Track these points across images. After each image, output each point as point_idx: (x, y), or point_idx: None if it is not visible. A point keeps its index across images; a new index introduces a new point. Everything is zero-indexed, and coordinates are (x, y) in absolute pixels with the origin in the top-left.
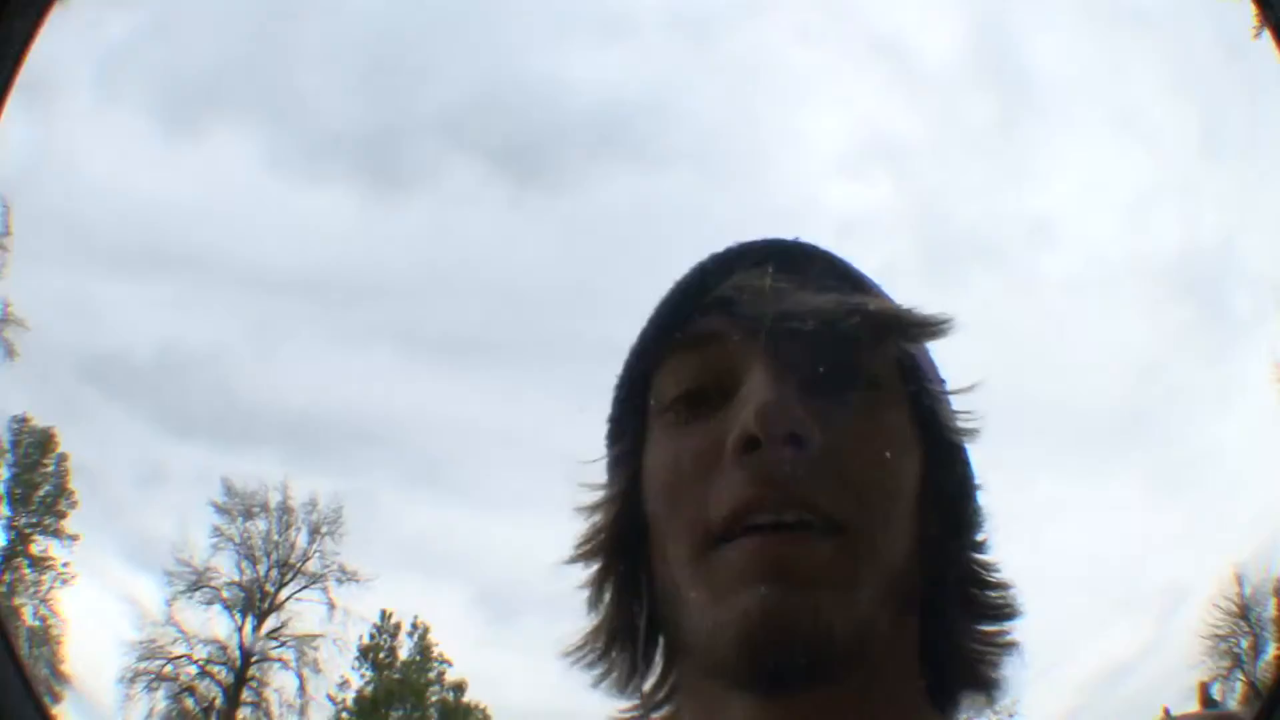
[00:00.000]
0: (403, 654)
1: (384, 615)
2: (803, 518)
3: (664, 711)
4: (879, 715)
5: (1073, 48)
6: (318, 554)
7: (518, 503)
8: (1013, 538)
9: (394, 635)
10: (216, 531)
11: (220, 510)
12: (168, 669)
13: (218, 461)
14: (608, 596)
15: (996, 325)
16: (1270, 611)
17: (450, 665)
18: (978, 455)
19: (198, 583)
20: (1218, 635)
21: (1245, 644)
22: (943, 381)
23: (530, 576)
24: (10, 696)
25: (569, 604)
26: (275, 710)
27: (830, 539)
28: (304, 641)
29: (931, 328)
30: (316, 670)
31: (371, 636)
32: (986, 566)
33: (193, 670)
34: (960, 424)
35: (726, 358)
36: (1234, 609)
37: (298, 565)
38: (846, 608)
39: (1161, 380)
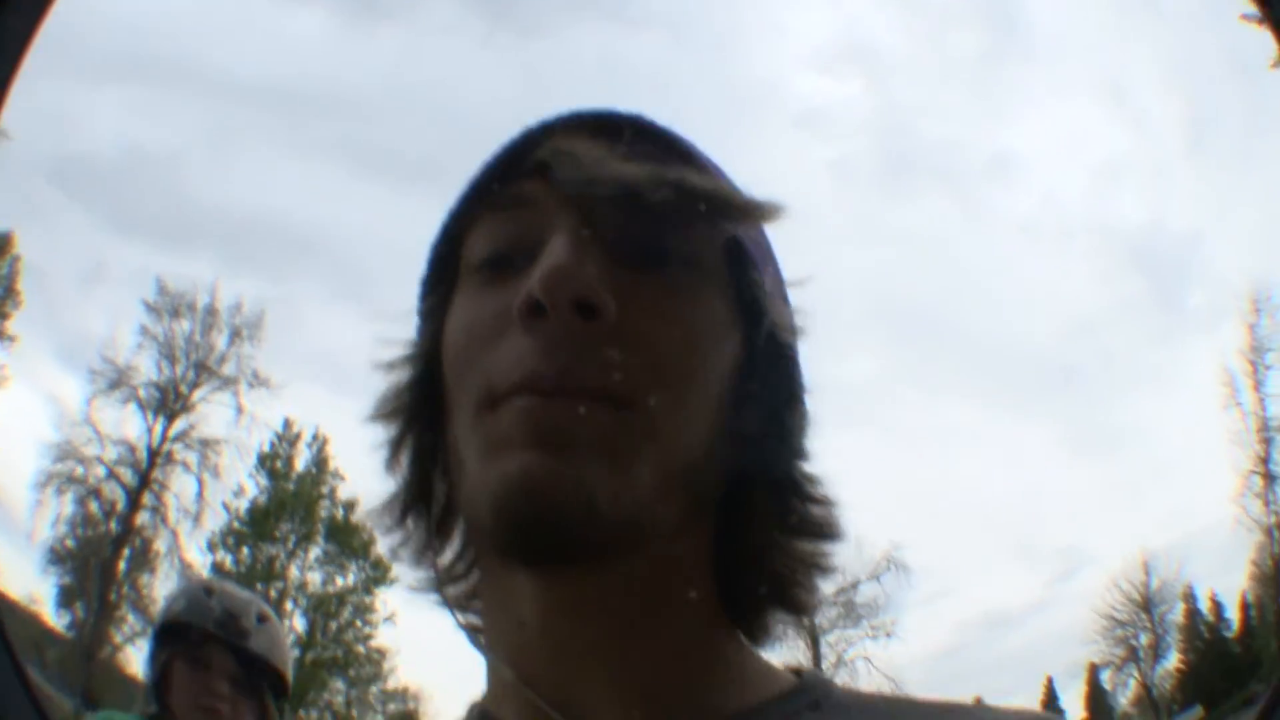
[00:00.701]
0: (299, 465)
1: (286, 424)
2: (584, 385)
3: (463, 586)
4: (663, 604)
5: (1081, 7)
6: (235, 357)
7: None
8: (919, 457)
9: (293, 445)
10: (143, 330)
11: (150, 308)
12: (78, 470)
13: (156, 261)
14: (404, 462)
15: (939, 247)
16: (1177, 616)
17: (344, 480)
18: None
19: (118, 381)
20: (1115, 619)
21: (1145, 640)
22: (779, 275)
23: None
24: (9, 698)
25: None
26: (172, 515)
27: (611, 410)
28: (209, 446)
29: (757, 211)
30: (216, 476)
31: (272, 445)
32: (808, 478)
33: (101, 473)
34: (790, 321)
35: (535, 223)
36: (1137, 598)
37: (214, 368)
38: (617, 483)
39: (1096, 343)
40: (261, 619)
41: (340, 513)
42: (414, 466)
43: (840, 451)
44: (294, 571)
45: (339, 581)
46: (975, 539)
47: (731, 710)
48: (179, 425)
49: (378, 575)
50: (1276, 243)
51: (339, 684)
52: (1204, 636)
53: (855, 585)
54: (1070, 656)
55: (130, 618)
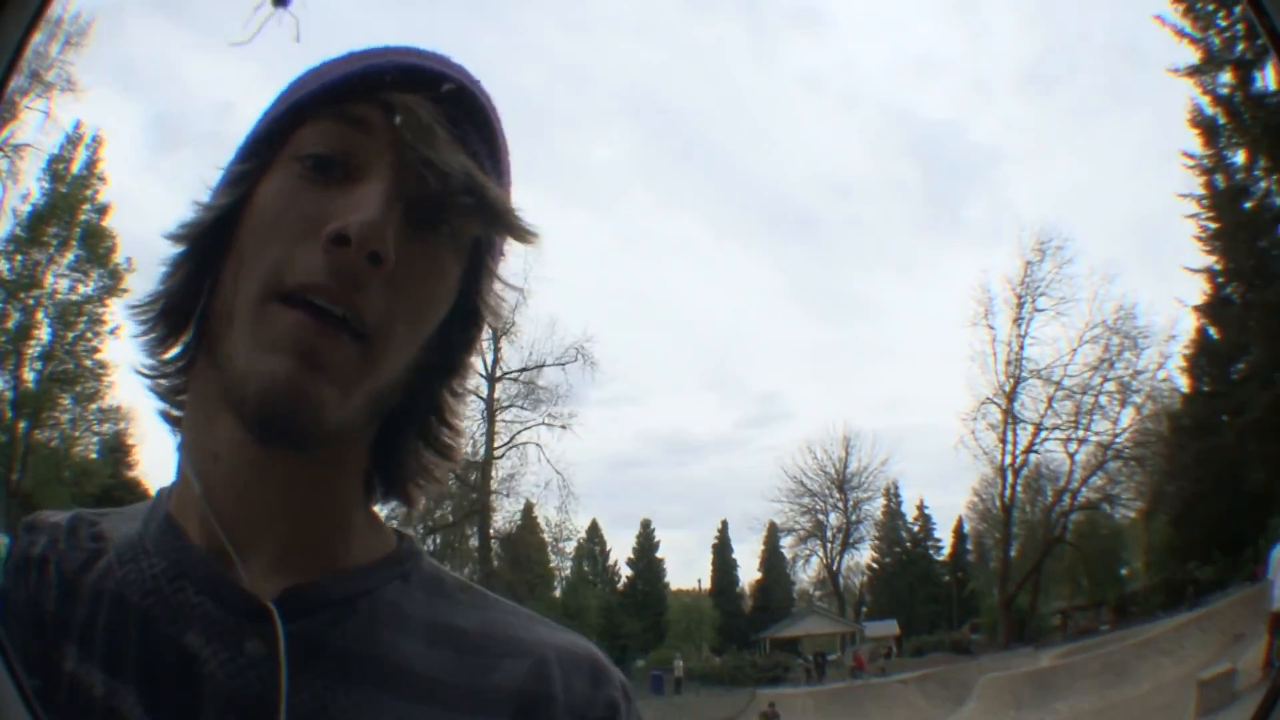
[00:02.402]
0: (76, 169)
1: (75, 126)
2: (346, 315)
3: (171, 384)
4: (330, 483)
5: None
6: (59, 64)
7: (241, 48)
8: (639, 259)
9: (76, 147)
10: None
11: None
12: None
13: None
14: (177, 279)
15: (719, 69)
16: (875, 510)
17: (105, 183)
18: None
19: None
20: (804, 486)
21: (834, 520)
22: (501, 259)
23: (205, 114)
24: (8, 700)
25: (226, 145)
26: None
27: (357, 344)
28: (18, 152)
29: (520, 233)
30: (16, 182)
31: (61, 148)
32: (453, 410)
33: None
34: (493, 304)
35: (366, 149)
36: (832, 472)
37: (43, 74)
38: (342, 403)
39: (848, 209)
40: None
41: (95, 217)
42: (184, 285)
43: (560, 228)
44: (49, 279)
45: (81, 289)
46: (675, 356)
47: (348, 565)
48: (3, 135)
49: (113, 284)
50: (1084, 203)
51: (67, 401)
52: (905, 545)
53: (540, 367)
54: (750, 509)
55: None
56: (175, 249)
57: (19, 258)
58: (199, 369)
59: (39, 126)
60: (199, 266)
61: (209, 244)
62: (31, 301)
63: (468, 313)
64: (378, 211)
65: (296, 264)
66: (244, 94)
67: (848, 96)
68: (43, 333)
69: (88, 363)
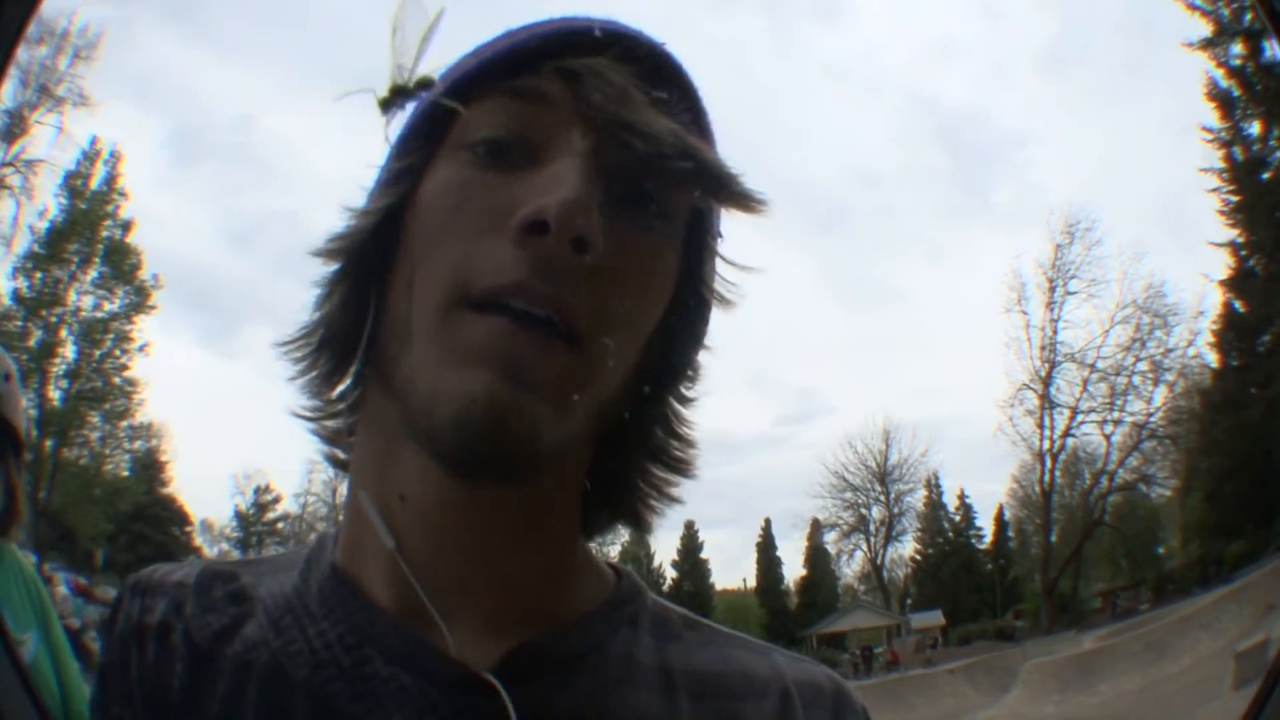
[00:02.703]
0: (95, 184)
1: (93, 141)
2: (553, 317)
3: (339, 423)
4: (547, 521)
5: None
6: (69, 78)
7: (256, 57)
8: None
9: (93, 162)
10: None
11: (25, 40)
12: None
13: None
14: (335, 302)
15: (742, 59)
16: (917, 502)
17: (127, 199)
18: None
19: None
20: (846, 480)
21: (877, 513)
22: (720, 239)
23: (225, 126)
24: (9, 699)
25: (247, 158)
26: None
27: (568, 350)
28: (31, 167)
29: (748, 201)
30: (31, 198)
31: (78, 164)
32: (683, 420)
33: None
34: (720, 288)
35: (548, 125)
36: (873, 465)
37: (53, 89)
38: (557, 420)
39: (879, 197)
40: (6, 377)
41: (119, 233)
42: (344, 309)
43: None
44: (73, 296)
45: (106, 307)
46: (713, 355)
47: (569, 615)
48: (15, 149)
49: (139, 301)
50: (1110, 182)
51: (96, 419)
52: (948, 535)
53: None
54: (793, 506)
55: None
56: (328, 267)
57: (39, 275)
58: (371, 401)
59: (52, 141)
60: (360, 284)
61: (369, 256)
62: (54, 319)
63: (691, 302)
64: (578, 189)
65: (484, 263)
66: (264, 106)
67: (872, 85)
68: (68, 350)
69: (116, 380)
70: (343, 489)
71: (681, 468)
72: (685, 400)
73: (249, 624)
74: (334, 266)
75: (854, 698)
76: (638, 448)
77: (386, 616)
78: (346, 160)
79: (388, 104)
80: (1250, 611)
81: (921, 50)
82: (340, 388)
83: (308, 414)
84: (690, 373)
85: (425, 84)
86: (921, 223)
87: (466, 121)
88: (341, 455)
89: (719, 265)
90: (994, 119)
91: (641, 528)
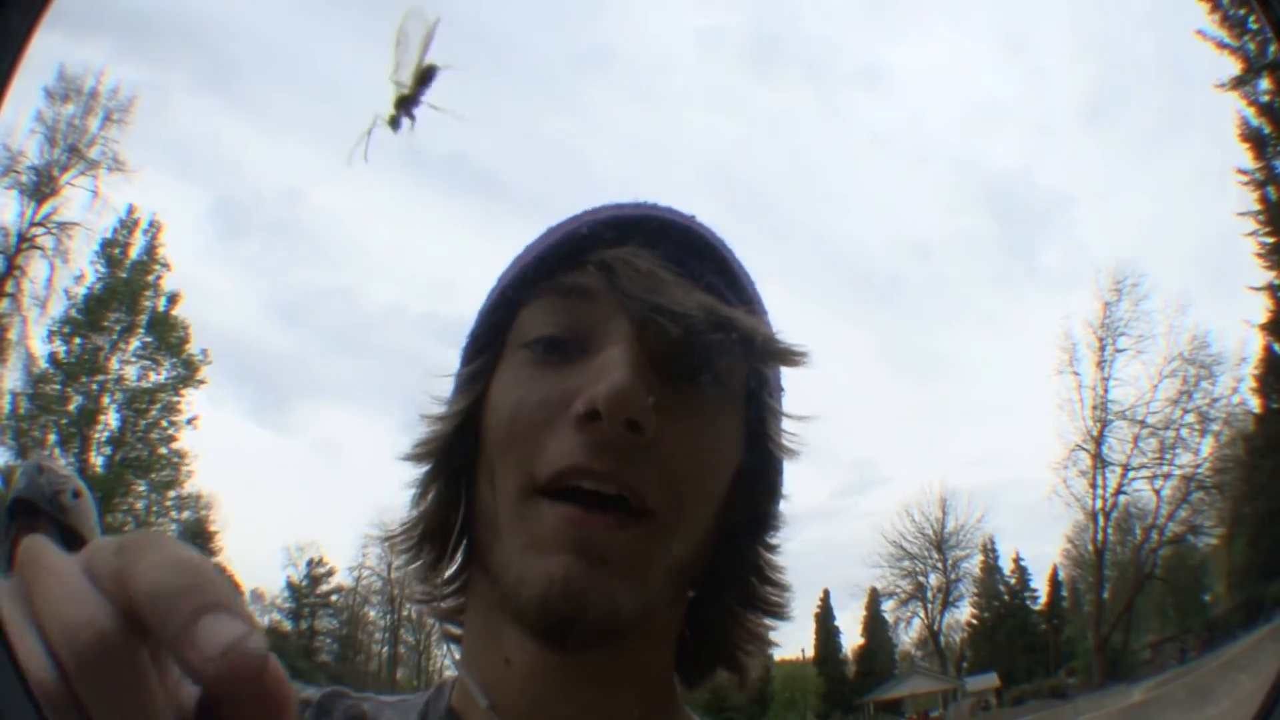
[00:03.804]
0: (135, 253)
1: (130, 210)
2: (620, 494)
3: (451, 603)
4: (636, 678)
5: None
6: (101, 141)
7: (291, 132)
8: None
9: (132, 231)
10: (38, 116)
11: (49, 94)
12: None
13: (60, 46)
14: (431, 497)
15: (789, 136)
16: (973, 567)
17: (169, 270)
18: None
19: (9, 167)
20: (904, 549)
21: (934, 581)
22: (781, 393)
23: (272, 200)
24: (9, 699)
25: (295, 232)
26: (25, 301)
27: (638, 524)
28: (64, 230)
29: (788, 357)
30: (65, 261)
31: (114, 231)
32: (772, 566)
33: None
34: (786, 442)
35: (594, 318)
36: (930, 533)
37: (84, 151)
38: (637, 590)
39: (930, 267)
40: (76, 494)
41: (163, 303)
42: (439, 503)
43: None
44: (114, 364)
45: (152, 377)
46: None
47: None
48: (45, 209)
49: (187, 375)
50: (1153, 235)
51: (141, 487)
52: (1003, 598)
53: None
54: (850, 576)
55: None
56: (420, 467)
57: (77, 340)
58: (477, 582)
59: (87, 206)
60: (450, 480)
61: (455, 455)
62: (95, 386)
63: (762, 458)
64: (624, 377)
65: (549, 451)
66: (308, 179)
67: (918, 153)
68: (110, 418)
69: (163, 450)
70: (397, 563)
71: (777, 611)
72: (772, 548)
73: None
74: (425, 467)
75: None
76: (732, 596)
77: None
78: (395, 234)
79: (396, 119)
80: None
81: (965, 114)
82: (448, 572)
83: (422, 598)
84: (773, 522)
85: (426, 75)
86: (971, 290)
87: (523, 324)
88: (457, 631)
89: (781, 421)
90: (1037, 179)
91: (739, 673)
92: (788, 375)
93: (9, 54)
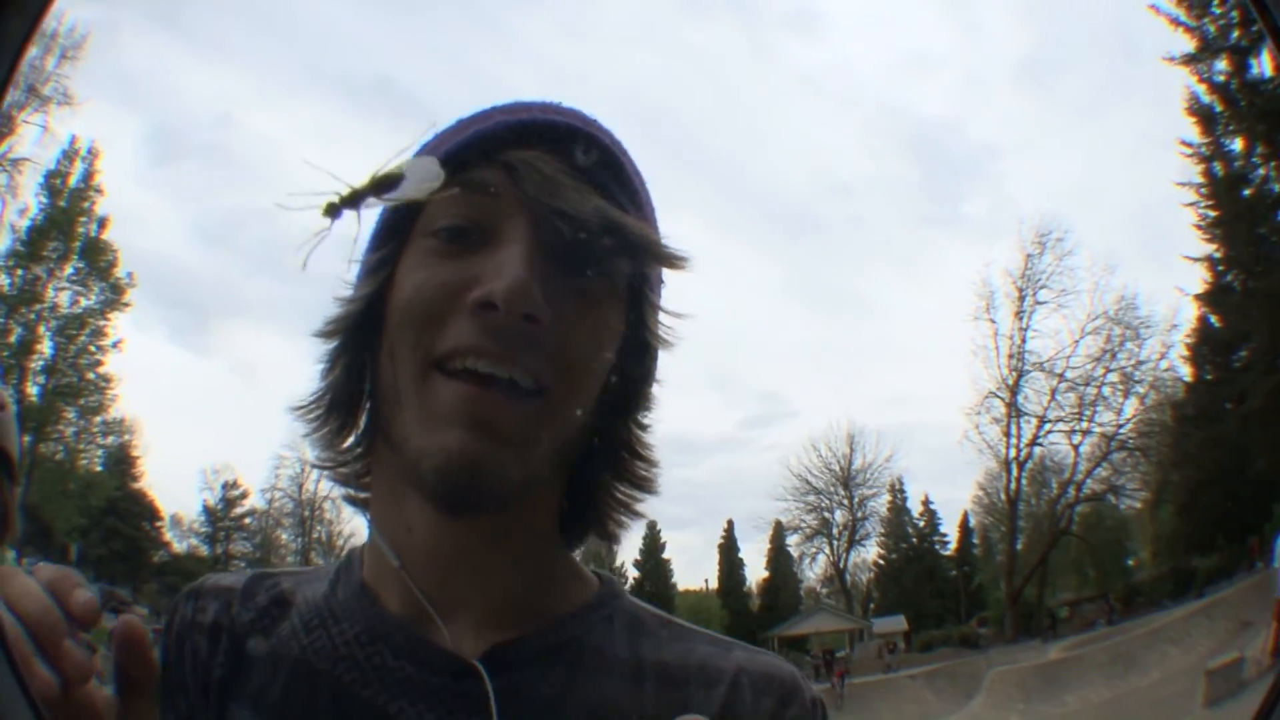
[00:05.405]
0: (74, 181)
1: (72, 140)
2: (513, 376)
3: (353, 470)
4: (524, 539)
5: None
6: (55, 77)
7: (237, 57)
8: None
9: (73, 161)
10: None
11: None
12: None
13: None
14: (338, 372)
15: (717, 69)
16: (880, 506)
17: (103, 195)
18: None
19: None
20: (809, 484)
21: (840, 517)
22: (661, 287)
23: (203, 125)
24: (8, 699)
25: (223, 156)
26: None
27: (530, 401)
28: (16, 166)
29: (670, 260)
30: (15, 196)
31: (58, 162)
32: (643, 443)
33: None
34: (662, 334)
35: (496, 214)
36: (837, 469)
37: (40, 89)
38: (526, 462)
39: (849, 207)
40: (2, 407)
41: (95, 229)
42: (345, 378)
43: None
44: (50, 293)
45: (82, 302)
46: (678, 358)
47: (551, 614)
48: (3, 149)
49: (114, 298)
50: (1084, 195)
51: (71, 414)
52: (911, 540)
53: None
54: (756, 508)
55: None
56: (329, 344)
57: (20, 272)
58: (379, 451)
59: (37, 141)
60: (355, 356)
61: (360, 333)
62: (33, 316)
63: (639, 346)
64: (519, 274)
65: (449, 331)
66: (241, 105)
67: (846, 96)
68: (45, 347)
69: (90, 376)
70: (309, 485)
71: (645, 485)
72: (644, 427)
73: (284, 624)
74: (333, 343)
75: (806, 692)
76: (606, 469)
77: (396, 620)
78: (320, 158)
79: (336, 209)
80: (1224, 628)
81: (898, 62)
82: (349, 441)
83: (323, 464)
84: (645, 403)
85: (385, 183)
86: (891, 232)
87: (429, 212)
88: (361, 496)
89: (659, 315)
90: (968, 131)
91: (609, 539)
92: (675, 279)
93: (8, 54)
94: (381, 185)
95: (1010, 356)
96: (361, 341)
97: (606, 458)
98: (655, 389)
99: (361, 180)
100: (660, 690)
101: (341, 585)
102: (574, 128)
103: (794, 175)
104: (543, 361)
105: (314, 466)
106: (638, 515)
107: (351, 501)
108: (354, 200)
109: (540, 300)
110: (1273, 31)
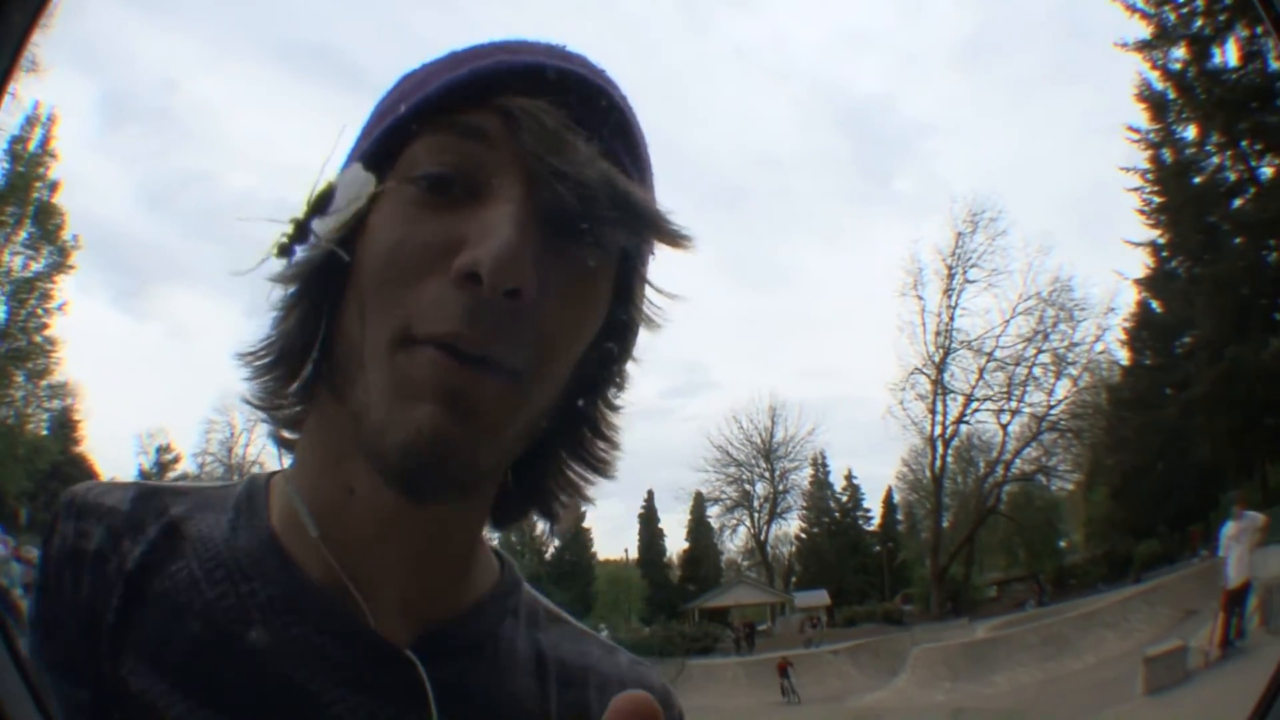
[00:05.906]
0: (32, 147)
1: (35, 106)
2: (488, 356)
3: (289, 412)
4: (464, 520)
5: None
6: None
7: (186, 20)
8: None
9: (33, 127)
10: None
11: None
12: None
13: None
14: (291, 321)
15: (648, 38)
16: (802, 480)
17: (56, 160)
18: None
19: None
20: (730, 455)
21: (761, 490)
22: (651, 260)
23: (152, 90)
24: (10, 696)
25: (168, 121)
26: None
27: (504, 381)
28: None
29: (673, 239)
30: None
31: (21, 128)
32: (609, 423)
33: None
34: (649, 313)
35: (487, 165)
36: (758, 441)
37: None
38: (495, 444)
39: (776, 180)
40: None
41: (47, 194)
42: (299, 328)
43: None
44: (5, 257)
45: (33, 266)
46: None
47: (466, 601)
48: None
49: (60, 261)
50: (1020, 177)
51: (20, 378)
52: (834, 515)
53: None
54: (677, 478)
55: None
56: (285, 290)
57: None
58: (323, 401)
59: (4, 108)
60: (314, 307)
61: (322, 281)
62: None
63: (622, 323)
64: (509, 242)
65: (427, 307)
66: (188, 70)
67: (778, 70)
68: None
69: (38, 339)
70: (238, 449)
71: (601, 468)
72: (614, 407)
73: (179, 564)
74: (290, 289)
75: (675, 704)
76: (563, 446)
77: (316, 588)
78: (264, 125)
79: (289, 247)
80: (1165, 614)
81: (833, 37)
82: (291, 389)
83: (258, 403)
84: (620, 382)
85: (320, 203)
86: (819, 206)
87: (412, 155)
88: (289, 437)
89: (647, 291)
90: (901, 109)
91: (552, 520)
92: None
93: (9, 53)
94: (317, 205)
95: (937, 334)
96: (322, 289)
97: (566, 434)
98: (631, 367)
99: (301, 207)
100: (561, 690)
101: (243, 528)
102: (585, 79)
103: (723, 146)
104: (523, 346)
105: (246, 403)
106: (586, 499)
107: (278, 441)
108: (301, 234)
109: (530, 273)
110: (1274, 20)
